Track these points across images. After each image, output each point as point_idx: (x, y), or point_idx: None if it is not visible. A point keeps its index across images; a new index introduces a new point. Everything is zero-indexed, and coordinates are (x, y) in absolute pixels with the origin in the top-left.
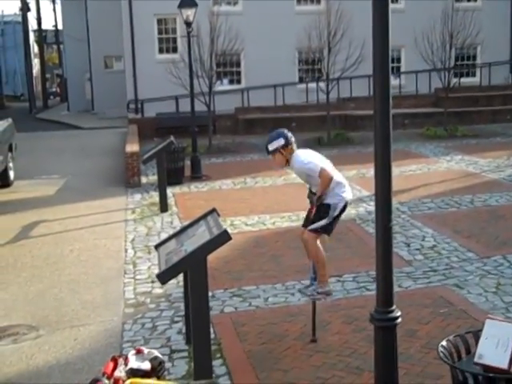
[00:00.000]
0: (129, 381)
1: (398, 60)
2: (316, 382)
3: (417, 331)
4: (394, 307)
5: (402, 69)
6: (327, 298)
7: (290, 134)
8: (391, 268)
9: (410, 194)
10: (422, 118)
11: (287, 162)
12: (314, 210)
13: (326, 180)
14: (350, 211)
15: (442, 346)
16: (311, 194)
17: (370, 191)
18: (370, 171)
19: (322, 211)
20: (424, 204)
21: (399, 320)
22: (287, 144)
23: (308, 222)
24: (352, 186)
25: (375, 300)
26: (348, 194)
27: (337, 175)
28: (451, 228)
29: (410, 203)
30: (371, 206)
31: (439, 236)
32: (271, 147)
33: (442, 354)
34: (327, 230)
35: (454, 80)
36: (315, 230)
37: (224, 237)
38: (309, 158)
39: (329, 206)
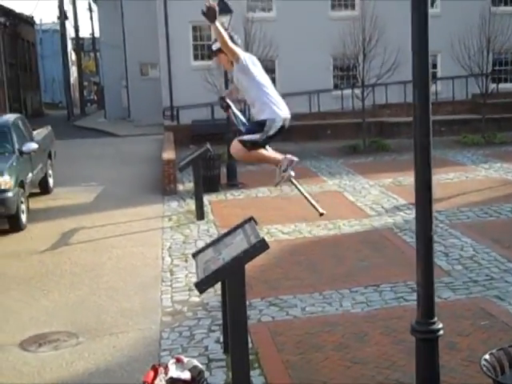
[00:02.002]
0: None
1: (434, 66)
2: None
3: (457, 343)
4: (435, 319)
5: (439, 75)
6: (292, 163)
7: (236, 36)
8: (432, 279)
9: (448, 202)
10: (459, 124)
11: (232, 64)
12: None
13: (232, 50)
14: (387, 220)
15: (485, 359)
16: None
17: (407, 199)
18: (406, 179)
19: (257, 126)
20: (462, 213)
21: (441, 332)
22: (232, 43)
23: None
24: (388, 194)
25: (414, 311)
26: (284, 111)
27: (273, 94)
28: (490, 237)
29: (447, 212)
30: (408, 215)
31: (478, 246)
32: (215, 47)
33: (485, 368)
34: (254, 144)
35: (492, 86)
36: (244, 143)
37: (262, 246)
38: (249, 59)
39: (264, 122)
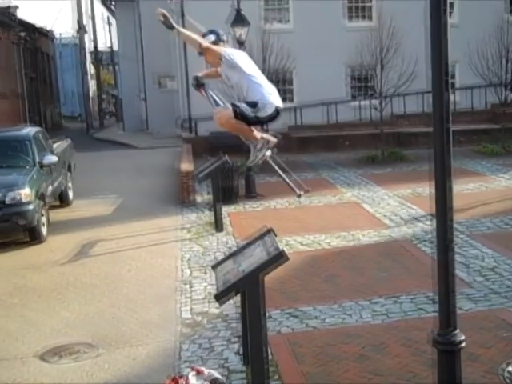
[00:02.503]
0: None
1: (453, 75)
2: None
3: (479, 355)
4: (457, 330)
5: (457, 85)
6: (270, 143)
7: (222, 32)
8: (454, 290)
9: (468, 213)
10: (477, 134)
11: (220, 61)
12: (203, 93)
13: (210, 48)
14: (406, 231)
15: (509, 371)
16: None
17: (426, 210)
18: (425, 190)
19: (249, 105)
20: (482, 223)
21: (463, 344)
22: (218, 40)
23: None
24: (407, 205)
25: (435, 323)
26: (276, 100)
27: (267, 85)
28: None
29: (467, 222)
30: (427, 226)
31: (499, 257)
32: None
33: (508, 380)
34: (245, 119)
35: (511, 95)
36: (235, 108)
37: (281, 257)
38: (235, 54)
39: (256, 103)
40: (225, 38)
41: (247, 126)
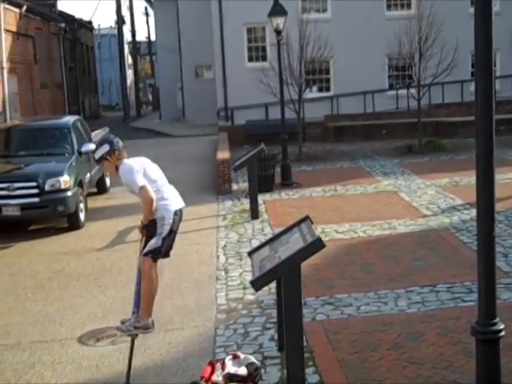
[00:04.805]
0: None
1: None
2: None
3: None
4: (497, 319)
5: (497, 73)
6: (146, 331)
7: (116, 140)
8: (494, 278)
9: (507, 202)
10: None
11: (117, 170)
12: (143, 239)
13: (146, 202)
14: (444, 220)
15: None
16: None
17: (464, 200)
18: (463, 179)
19: (151, 228)
20: None
21: (502, 333)
22: (113, 150)
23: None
24: (445, 194)
25: (472, 312)
26: (175, 204)
27: (164, 190)
28: None
29: (507, 212)
30: (465, 215)
31: None
32: (96, 156)
33: None
34: (159, 252)
35: None
36: (147, 254)
37: (318, 244)
38: (135, 168)
39: (154, 221)
40: (120, 144)
41: (153, 293)
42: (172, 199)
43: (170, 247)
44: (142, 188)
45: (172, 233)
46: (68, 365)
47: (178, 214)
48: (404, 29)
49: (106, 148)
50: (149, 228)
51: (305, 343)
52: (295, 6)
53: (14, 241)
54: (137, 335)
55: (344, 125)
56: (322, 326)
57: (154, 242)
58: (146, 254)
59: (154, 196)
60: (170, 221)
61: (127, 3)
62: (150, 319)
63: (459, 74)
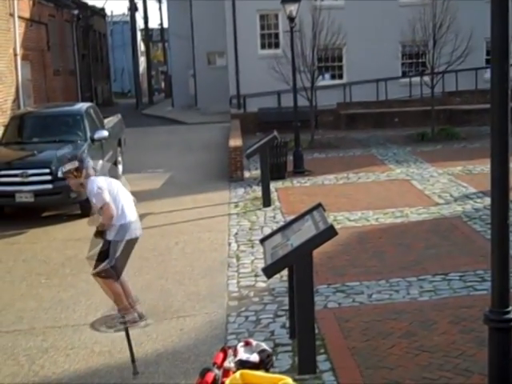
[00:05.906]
0: (238, 372)
1: None
2: (422, 382)
3: None
4: (510, 308)
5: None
6: (135, 324)
7: (87, 160)
8: (507, 266)
9: None
10: None
11: (82, 186)
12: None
13: (107, 215)
14: (456, 208)
15: None
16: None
17: (477, 188)
18: (476, 167)
19: (105, 248)
20: None
21: None
22: (81, 167)
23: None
24: (458, 182)
25: (484, 300)
26: (132, 232)
27: (127, 213)
28: None
29: None
30: (478, 204)
31: None
32: (64, 169)
33: None
34: (110, 274)
35: None
36: (99, 274)
37: (330, 232)
38: (102, 186)
39: (109, 242)
40: (90, 164)
41: (119, 287)
42: (133, 227)
43: (122, 268)
44: (105, 204)
45: (125, 255)
46: (81, 350)
47: (130, 244)
48: (418, 15)
49: (74, 164)
50: (104, 244)
51: (316, 331)
52: None
53: (27, 227)
54: (129, 325)
55: (356, 112)
56: (334, 313)
57: (106, 264)
58: (98, 274)
59: (114, 213)
60: (121, 246)
61: None
62: (135, 313)
63: (473, 61)
